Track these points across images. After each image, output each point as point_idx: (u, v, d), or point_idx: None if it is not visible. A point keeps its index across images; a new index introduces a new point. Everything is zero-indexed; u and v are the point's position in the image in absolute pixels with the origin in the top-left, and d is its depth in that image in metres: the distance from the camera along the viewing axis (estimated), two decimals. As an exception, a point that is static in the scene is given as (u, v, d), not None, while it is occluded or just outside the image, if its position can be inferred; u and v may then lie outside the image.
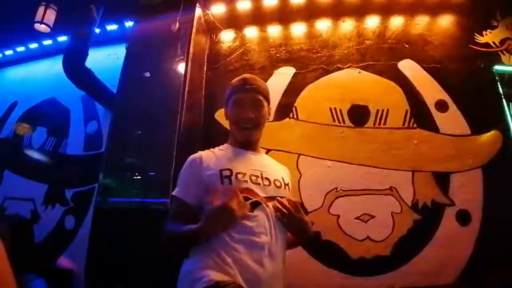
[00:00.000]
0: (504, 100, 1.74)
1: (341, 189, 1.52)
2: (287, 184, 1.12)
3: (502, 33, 1.89)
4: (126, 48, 1.95)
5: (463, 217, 1.52)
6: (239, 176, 1.04)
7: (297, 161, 1.56)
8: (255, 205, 0.99)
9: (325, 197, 1.51)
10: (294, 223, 0.99)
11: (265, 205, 1.00)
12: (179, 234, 1.00)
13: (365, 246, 1.45)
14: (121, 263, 1.62)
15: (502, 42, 1.88)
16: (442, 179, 1.55)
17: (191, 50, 1.64)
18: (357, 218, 1.48)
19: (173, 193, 1.08)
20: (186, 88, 1.60)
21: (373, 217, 1.48)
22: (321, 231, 1.47)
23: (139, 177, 1.67)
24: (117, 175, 1.75)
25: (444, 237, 1.48)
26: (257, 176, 1.05)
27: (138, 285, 1.59)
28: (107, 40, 2.44)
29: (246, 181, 1.03)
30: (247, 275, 0.90)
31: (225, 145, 1.18)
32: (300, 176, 1.54)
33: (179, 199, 1.05)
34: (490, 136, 1.66)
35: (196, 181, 1.04)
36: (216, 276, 0.89)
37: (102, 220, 1.73)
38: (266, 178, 1.06)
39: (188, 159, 1.12)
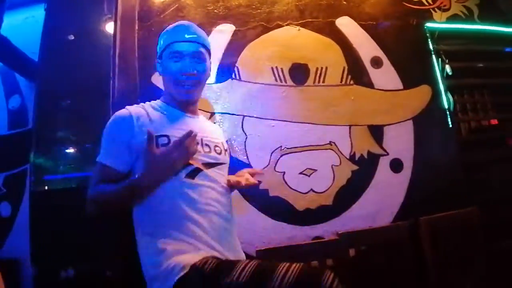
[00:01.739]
0: (433, 56, 1.87)
1: (285, 147, 1.55)
2: (226, 150, 1.08)
3: (436, -10, 1.97)
4: (45, 9, 1.72)
5: (396, 165, 1.66)
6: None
7: (242, 123, 1.55)
8: (196, 172, 0.93)
9: (270, 156, 1.54)
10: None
11: (205, 171, 0.95)
12: (111, 191, 0.88)
13: (309, 198, 1.53)
14: (69, 245, 1.54)
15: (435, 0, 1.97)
16: (377, 132, 1.66)
17: (119, 7, 1.49)
18: (301, 173, 1.55)
19: (98, 158, 0.94)
20: (117, 50, 1.47)
21: (315, 170, 1.55)
22: (269, 188, 1.51)
23: (74, 150, 1.56)
24: (50, 151, 1.62)
25: (380, 184, 1.62)
26: (197, 143, 0.96)
27: (90, 265, 1.54)
28: (23, 1, 2.13)
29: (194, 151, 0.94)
30: (208, 243, 0.88)
31: (159, 102, 1.05)
32: (246, 138, 1.54)
33: (106, 167, 0.92)
34: (420, 89, 1.79)
35: (127, 144, 0.92)
36: (185, 259, 0.82)
37: (40, 202, 1.61)
38: (207, 145, 1.01)
39: (114, 116, 0.97)
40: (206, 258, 0.82)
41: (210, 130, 1.09)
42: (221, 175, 1.01)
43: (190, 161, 0.93)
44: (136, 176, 0.88)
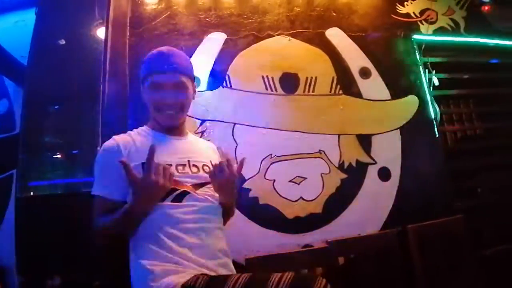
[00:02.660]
0: (421, 67, 1.92)
1: (275, 155, 1.56)
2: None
3: (423, 4, 2.04)
4: (35, 13, 1.71)
5: (384, 174, 1.69)
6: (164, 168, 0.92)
7: (233, 130, 1.56)
8: (183, 195, 0.93)
9: (261, 163, 1.55)
10: (223, 178, 0.94)
11: (193, 193, 0.95)
12: (111, 221, 0.89)
13: (299, 206, 1.54)
14: (55, 252, 1.51)
15: (422, 12, 2.04)
16: (365, 141, 1.69)
17: (111, 13, 1.49)
18: (290, 181, 1.55)
19: (93, 192, 0.95)
20: (108, 56, 1.46)
21: (305, 179, 1.57)
22: (259, 196, 1.52)
23: (61, 157, 1.54)
24: (37, 156, 1.60)
25: (368, 193, 1.64)
26: (184, 165, 0.98)
27: (77, 273, 1.51)
28: (13, 5, 2.11)
29: (172, 173, 0.94)
30: (198, 261, 0.87)
31: (145, 128, 1.06)
32: (237, 145, 1.55)
33: (101, 198, 0.93)
34: (407, 100, 1.83)
35: (117, 173, 0.90)
36: (174, 279, 0.81)
37: (26, 209, 1.58)
38: (194, 165, 1.00)
39: (102, 148, 1.00)
40: (196, 276, 0.81)
41: (198, 149, 1.08)
42: (211, 193, 1.00)
43: (177, 186, 0.93)
44: (128, 204, 0.89)
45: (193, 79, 1.08)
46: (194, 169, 0.99)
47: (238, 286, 0.75)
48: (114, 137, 1.00)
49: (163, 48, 1.05)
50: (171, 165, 0.95)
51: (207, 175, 0.99)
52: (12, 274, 1.64)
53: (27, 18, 1.99)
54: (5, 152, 1.89)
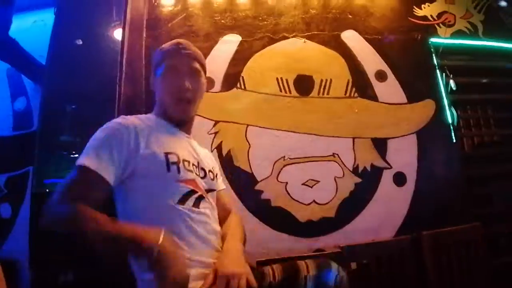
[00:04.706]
0: (438, 71, 1.88)
1: (288, 158, 1.55)
2: (216, 175, 1.02)
3: (440, 7, 2.00)
4: (54, 14, 1.74)
5: (399, 179, 1.66)
6: (185, 164, 0.88)
7: (246, 132, 1.56)
8: (200, 199, 0.87)
9: (273, 166, 1.54)
10: None
11: (206, 199, 0.90)
12: (104, 230, 0.70)
13: (311, 209, 1.52)
14: (68, 249, 1.53)
15: (440, 15, 2.00)
16: (380, 145, 1.66)
17: (128, 15, 1.51)
18: (303, 184, 1.54)
19: (82, 161, 0.76)
20: (125, 57, 1.48)
21: (318, 182, 1.55)
22: (271, 199, 1.51)
23: (77, 156, 1.56)
24: (53, 155, 1.62)
25: (382, 198, 1.61)
26: (196, 166, 0.91)
27: (89, 270, 1.52)
28: (33, 5, 2.16)
29: (191, 171, 0.88)
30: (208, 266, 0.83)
31: (153, 117, 0.96)
32: (249, 147, 1.54)
33: (92, 173, 0.75)
34: (424, 104, 1.80)
35: (120, 153, 0.79)
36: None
37: (41, 205, 1.61)
38: (202, 169, 0.94)
39: (113, 122, 0.86)
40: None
41: (202, 152, 1.03)
42: (214, 202, 0.96)
43: (196, 188, 0.87)
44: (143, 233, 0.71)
45: (205, 71, 1.04)
46: (202, 173, 0.93)
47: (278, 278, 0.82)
48: (124, 116, 0.90)
49: (179, 39, 1.02)
50: (189, 161, 0.90)
51: (212, 182, 0.96)
52: (25, 268, 1.67)
53: (45, 18, 2.04)
54: (22, 149, 1.93)
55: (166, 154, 0.84)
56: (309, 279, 0.83)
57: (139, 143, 0.83)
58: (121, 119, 0.88)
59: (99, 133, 0.84)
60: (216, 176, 1.02)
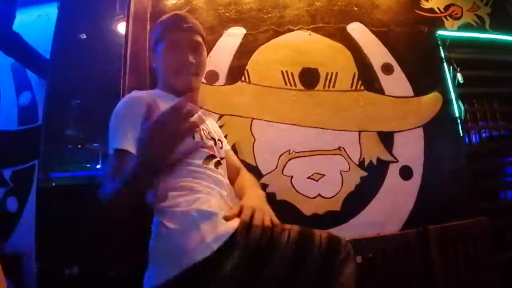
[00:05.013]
0: (445, 63, 1.85)
1: (293, 151, 1.54)
2: (222, 143, 1.06)
3: (448, -1, 1.97)
4: (58, 8, 1.75)
5: (406, 173, 1.64)
6: (205, 132, 0.93)
7: (251, 125, 1.55)
8: (218, 164, 0.93)
9: (278, 159, 1.53)
10: None
11: (223, 164, 0.95)
12: (119, 184, 0.73)
13: (317, 203, 1.51)
14: (74, 242, 1.54)
15: (447, 8, 1.96)
16: (386, 138, 1.64)
17: (131, 8, 1.50)
18: (309, 177, 1.53)
19: (115, 145, 0.79)
20: (129, 50, 1.47)
21: (323, 175, 1.54)
22: (276, 192, 1.50)
23: (82, 149, 1.57)
24: (58, 148, 1.63)
25: (388, 191, 1.59)
26: (207, 135, 0.94)
27: (95, 264, 1.53)
28: (36, -1, 2.16)
29: (209, 139, 0.94)
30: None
31: (160, 91, 0.97)
32: (254, 140, 1.53)
33: (126, 153, 0.76)
34: (431, 97, 1.77)
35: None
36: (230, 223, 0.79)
37: (47, 199, 1.62)
38: (212, 138, 0.97)
39: (129, 97, 0.88)
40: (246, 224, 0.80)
41: (209, 122, 1.05)
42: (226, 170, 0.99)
43: (215, 153, 0.92)
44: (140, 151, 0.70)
45: (206, 42, 1.05)
46: (211, 142, 0.96)
47: (291, 241, 0.81)
48: (136, 92, 0.93)
49: (176, 11, 1.05)
50: (204, 129, 0.94)
51: (221, 150, 1.00)
52: (30, 261, 1.69)
53: (49, 12, 2.03)
54: (28, 143, 1.95)
55: None
56: (324, 238, 0.88)
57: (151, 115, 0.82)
58: (135, 93, 0.92)
59: (120, 111, 0.86)
60: (222, 143, 1.07)
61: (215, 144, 0.97)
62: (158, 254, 0.81)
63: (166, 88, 0.99)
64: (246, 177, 1.10)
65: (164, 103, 0.83)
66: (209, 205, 0.81)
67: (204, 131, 0.94)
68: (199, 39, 0.99)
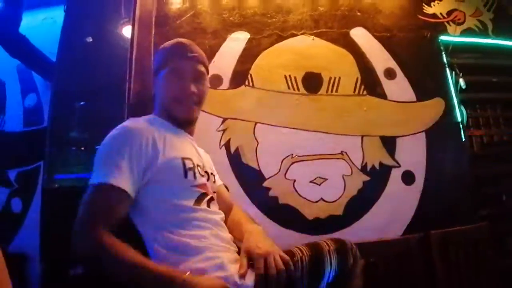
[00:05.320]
0: (447, 69, 1.86)
1: (296, 155, 1.55)
2: (215, 176, 1.03)
3: (450, 4, 1.98)
4: (64, 11, 1.76)
5: (408, 178, 1.64)
6: (199, 169, 0.89)
7: (254, 129, 1.56)
8: (210, 201, 0.89)
9: (281, 163, 1.54)
10: None
11: (215, 201, 0.92)
12: (121, 266, 0.70)
13: (319, 207, 1.52)
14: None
15: (449, 13, 1.98)
16: (389, 143, 1.65)
17: (137, 12, 1.51)
18: (311, 181, 1.54)
19: (102, 180, 0.73)
20: (134, 54, 1.48)
21: (326, 180, 1.55)
22: (278, 196, 1.51)
23: (86, 151, 1.58)
24: (63, 150, 1.65)
25: (391, 196, 1.60)
26: (202, 168, 0.91)
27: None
28: (42, 2, 2.19)
29: (203, 176, 0.89)
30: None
31: (158, 118, 0.92)
32: (258, 144, 1.54)
33: (116, 190, 0.72)
34: (433, 102, 1.78)
35: (139, 163, 0.76)
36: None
37: (52, 200, 1.63)
38: (206, 172, 0.94)
39: (124, 128, 0.81)
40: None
41: (203, 154, 1.02)
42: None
43: (207, 191, 0.89)
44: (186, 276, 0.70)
45: (208, 72, 1.04)
46: (207, 176, 0.93)
47: (305, 271, 0.84)
48: (132, 119, 0.87)
49: (180, 39, 1.01)
50: (200, 165, 0.91)
51: (214, 184, 0.97)
52: (35, 262, 1.70)
53: (55, 15, 2.06)
54: (33, 144, 1.97)
55: (183, 159, 0.84)
56: (333, 252, 0.89)
57: (158, 150, 0.81)
58: (132, 123, 0.85)
59: (111, 142, 0.80)
60: (215, 177, 1.03)
61: (208, 179, 0.93)
62: None
63: (164, 115, 0.94)
64: (239, 213, 1.06)
65: (168, 135, 0.86)
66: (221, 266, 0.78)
67: (199, 167, 0.89)
68: (203, 69, 0.97)
